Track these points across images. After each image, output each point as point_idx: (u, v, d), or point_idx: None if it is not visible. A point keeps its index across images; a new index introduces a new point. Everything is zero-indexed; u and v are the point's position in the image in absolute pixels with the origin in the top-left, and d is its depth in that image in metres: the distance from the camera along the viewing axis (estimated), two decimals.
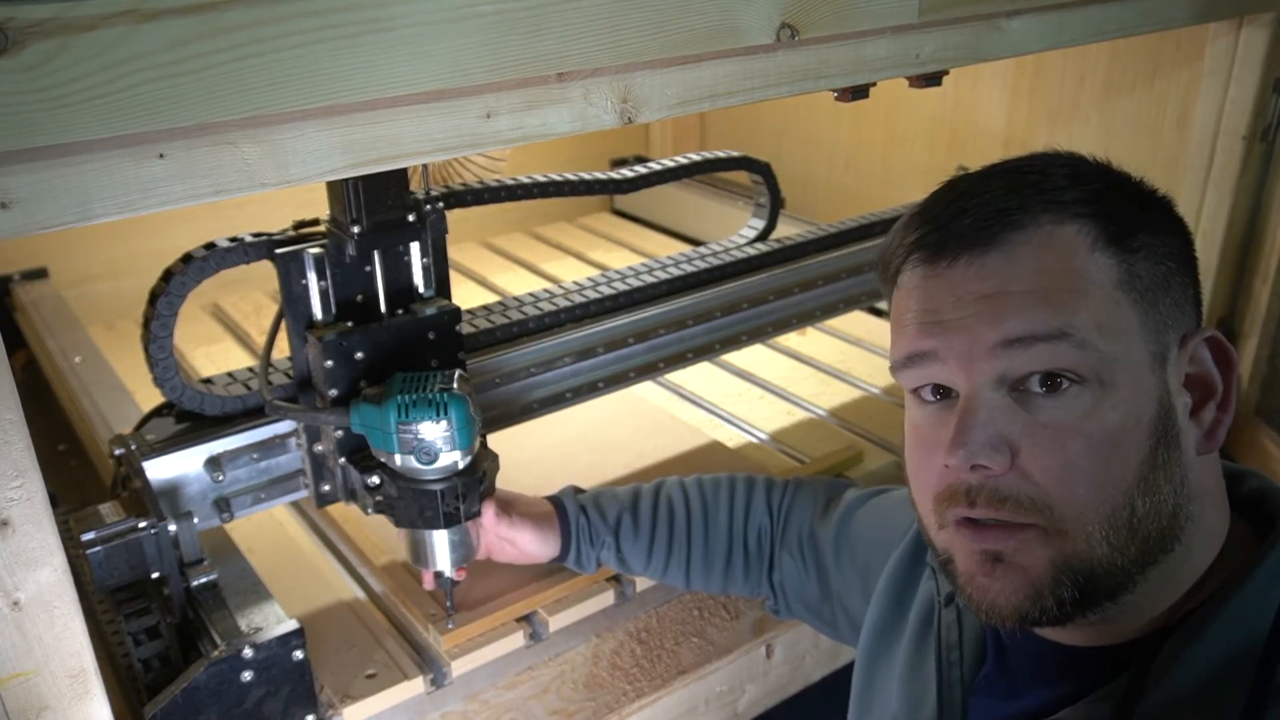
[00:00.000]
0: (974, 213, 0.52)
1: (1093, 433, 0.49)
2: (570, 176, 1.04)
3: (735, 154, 1.20)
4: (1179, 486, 0.51)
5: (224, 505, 0.85)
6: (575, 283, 1.08)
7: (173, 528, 0.78)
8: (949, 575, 0.55)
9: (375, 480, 0.81)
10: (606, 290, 1.06)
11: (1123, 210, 0.52)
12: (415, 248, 0.84)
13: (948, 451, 0.51)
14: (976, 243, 0.51)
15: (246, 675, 0.76)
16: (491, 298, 1.42)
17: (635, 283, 1.08)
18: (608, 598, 0.95)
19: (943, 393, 0.53)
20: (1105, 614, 0.52)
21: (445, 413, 0.76)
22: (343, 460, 0.84)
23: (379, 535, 1.01)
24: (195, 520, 0.80)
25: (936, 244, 0.53)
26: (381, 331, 0.82)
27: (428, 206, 0.83)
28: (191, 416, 0.85)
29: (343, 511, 1.03)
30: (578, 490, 0.92)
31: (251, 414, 0.86)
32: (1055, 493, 0.49)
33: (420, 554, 0.84)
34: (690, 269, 1.11)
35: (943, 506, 0.53)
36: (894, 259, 0.56)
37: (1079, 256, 0.50)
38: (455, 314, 0.86)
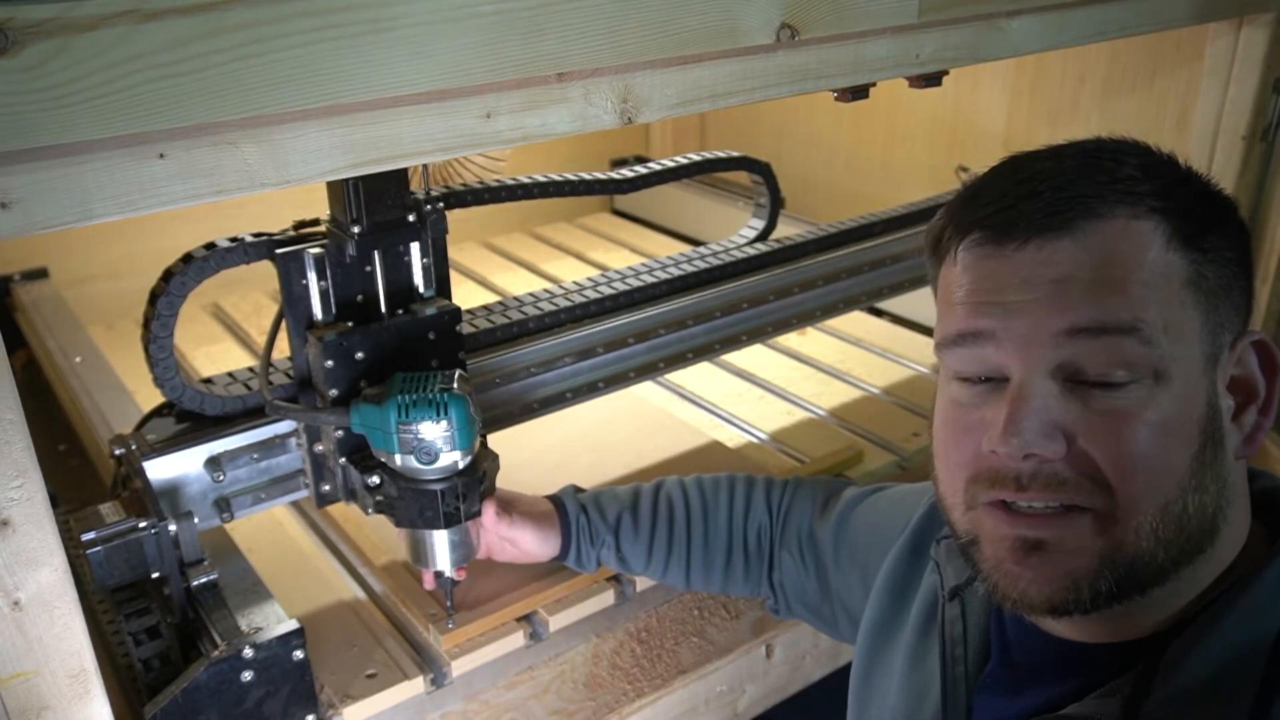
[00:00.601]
0: (1048, 195, 0.50)
1: (1151, 420, 0.49)
2: (570, 176, 1.04)
3: (735, 154, 1.20)
4: (1222, 488, 0.51)
5: (224, 505, 0.85)
6: (575, 283, 1.08)
7: (173, 528, 0.78)
8: (970, 558, 0.54)
9: (375, 480, 0.81)
10: (606, 290, 1.06)
11: (1194, 209, 0.51)
12: (415, 248, 0.84)
13: (1000, 439, 0.49)
14: (1048, 227, 0.50)
15: (247, 675, 0.76)
16: (492, 298, 1.42)
17: (635, 283, 1.07)
18: (608, 597, 0.95)
19: (988, 376, 0.52)
20: (1127, 609, 0.51)
21: (445, 413, 0.76)
22: (343, 460, 0.84)
23: (379, 535, 1.01)
24: (195, 520, 0.80)
25: (1005, 224, 0.51)
26: (382, 331, 0.82)
27: (428, 206, 0.83)
28: (192, 416, 0.85)
29: (343, 511, 1.03)
30: (578, 490, 0.92)
31: (252, 414, 0.86)
32: (1114, 479, 0.49)
33: (420, 554, 0.84)
34: (690, 269, 1.11)
35: (979, 488, 0.52)
36: (951, 234, 0.54)
37: (1153, 252, 0.49)
38: (455, 314, 0.86)
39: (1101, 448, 0.49)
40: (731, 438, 1.22)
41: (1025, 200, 0.51)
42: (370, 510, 0.83)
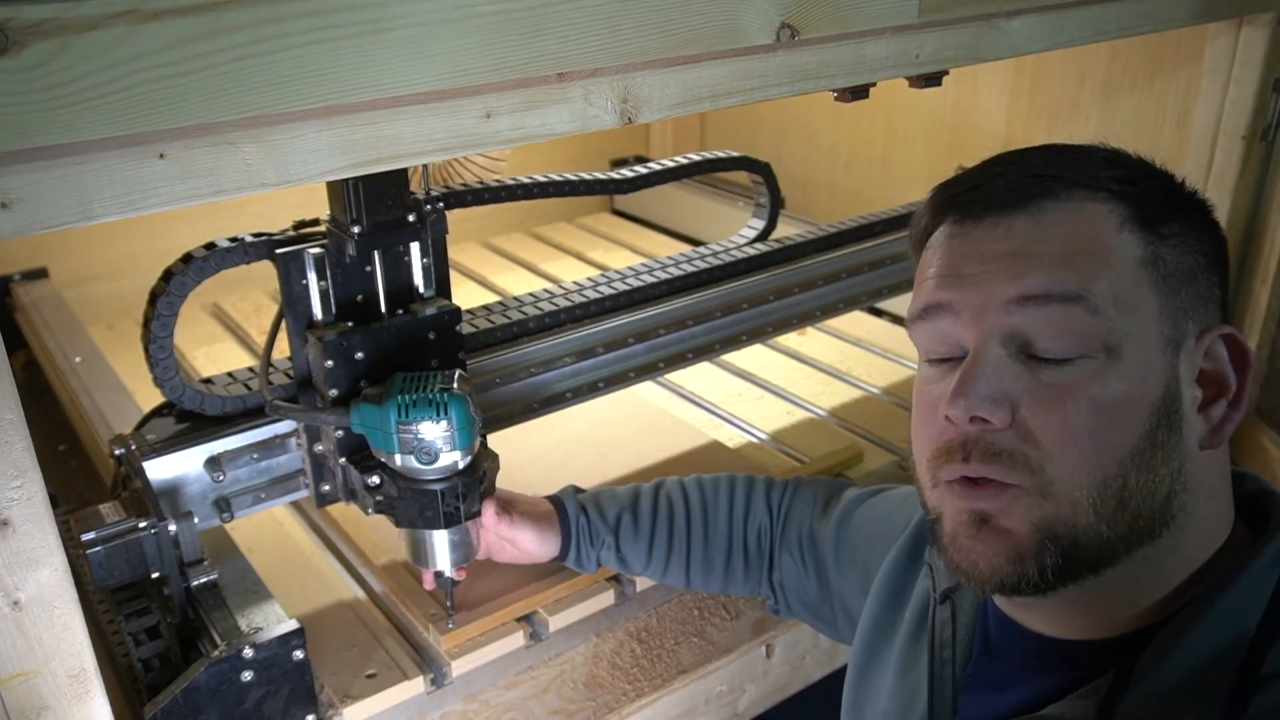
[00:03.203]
0: (1008, 176, 0.53)
1: (1096, 396, 0.49)
2: (570, 176, 1.04)
3: (735, 154, 1.20)
4: (1175, 473, 0.51)
5: (224, 505, 0.85)
6: (575, 283, 1.08)
7: (173, 528, 0.78)
8: (935, 536, 0.55)
9: (375, 480, 0.81)
10: (606, 290, 1.06)
11: (1157, 199, 0.53)
12: (415, 248, 0.84)
13: (948, 402, 0.51)
14: (1006, 203, 0.52)
15: (247, 675, 0.76)
16: (492, 298, 1.42)
17: (635, 283, 1.07)
18: (608, 597, 0.95)
19: (951, 356, 0.54)
20: (1090, 598, 0.52)
21: (445, 413, 0.76)
22: (343, 460, 0.84)
23: (379, 535, 1.01)
24: (195, 520, 0.80)
25: (967, 203, 0.54)
26: (382, 331, 0.82)
27: (428, 206, 0.83)
28: (192, 416, 0.85)
29: (343, 511, 1.03)
30: (577, 490, 0.91)
31: (252, 414, 0.86)
32: (1051, 451, 0.50)
33: (420, 554, 0.84)
34: (690, 269, 1.11)
35: (937, 464, 0.53)
36: (925, 219, 0.57)
37: (1106, 230, 0.51)
38: (455, 314, 0.86)
39: (1042, 418, 0.50)
40: (731, 438, 1.22)
41: (989, 181, 0.54)
42: (370, 510, 0.83)
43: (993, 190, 0.53)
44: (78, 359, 1.24)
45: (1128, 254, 0.51)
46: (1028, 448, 0.50)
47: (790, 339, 1.45)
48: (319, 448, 0.86)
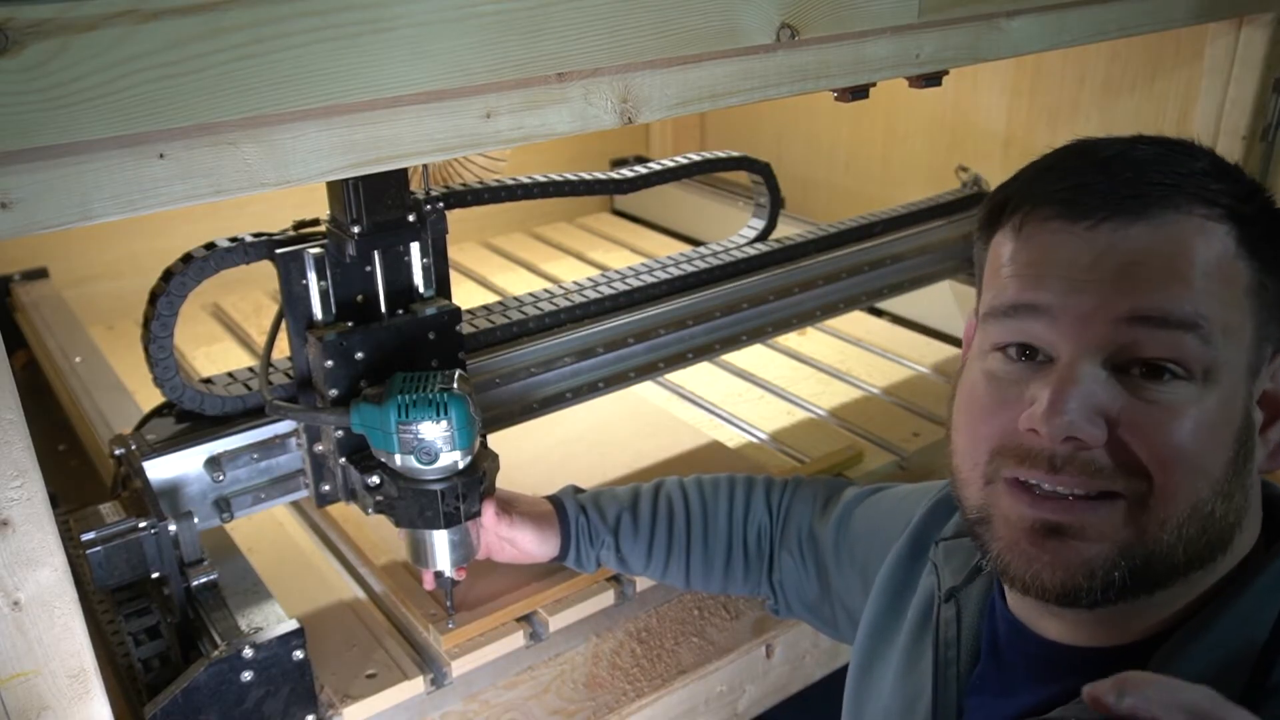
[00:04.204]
0: (1127, 177, 0.49)
1: (1197, 419, 0.48)
2: (570, 176, 1.04)
3: (735, 154, 1.20)
4: (1245, 499, 0.50)
5: (224, 505, 0.85)
6: (575, 283, 1.08)
7: (173, 528, 0.78)
8: (978, 536, 0.53)
9: (375, 480, 0.81)
10: (606, 290, 1.06)
11: (1262, 219, 0.51)
12: (415, 248, 0.84)
13: (1043, 417, 0.48)
14: (1125, 209, 0.49)
15: (247, 675, 0.76)
16: (491, 298, 1.42)
17: (635, 283, 1.07)
18: (608, 597, 0.95)
19: (1029, 353, 0.51)
20: (1124, 611, 0.51)
21: (445, 413, 0.76)
22: (343, 460, 0.84)
23: (379, 535, 1.01)
24: (195, 520, 0.80)
25: (1078, 200, 0.50)
26: (381, 331, 0.82)
27: (428, 206, 0.83)
28: (192, 416, 0.85)
29: (343, 511, 1.03)
30: (577, 490, 0.91)
31: (251, 414, 0.86)
32: (1155, 469, 0.48)
33: (420, 554, 0.83)
34: (690, 269, 1.11)
35: (1004, 462, 0.50)
36: (1015, 205, 0.52)
37: (1225, 254, 0.49)
38: (455, 314, 0.86)
39: (1143, 438, 0.48)
40: (731, 438, 1.22)
41: (1103, 179, 0.50)
42: (370, 510, 0.83)
43: (1109, 192, 0.49)
44: (78, 359, 1.24)
45: (1240, 279, 0.49)
46: (1128, 460, 0.48)
47: (790, 339, 1.45)
48: (319, 448, 0.86)
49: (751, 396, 1.32)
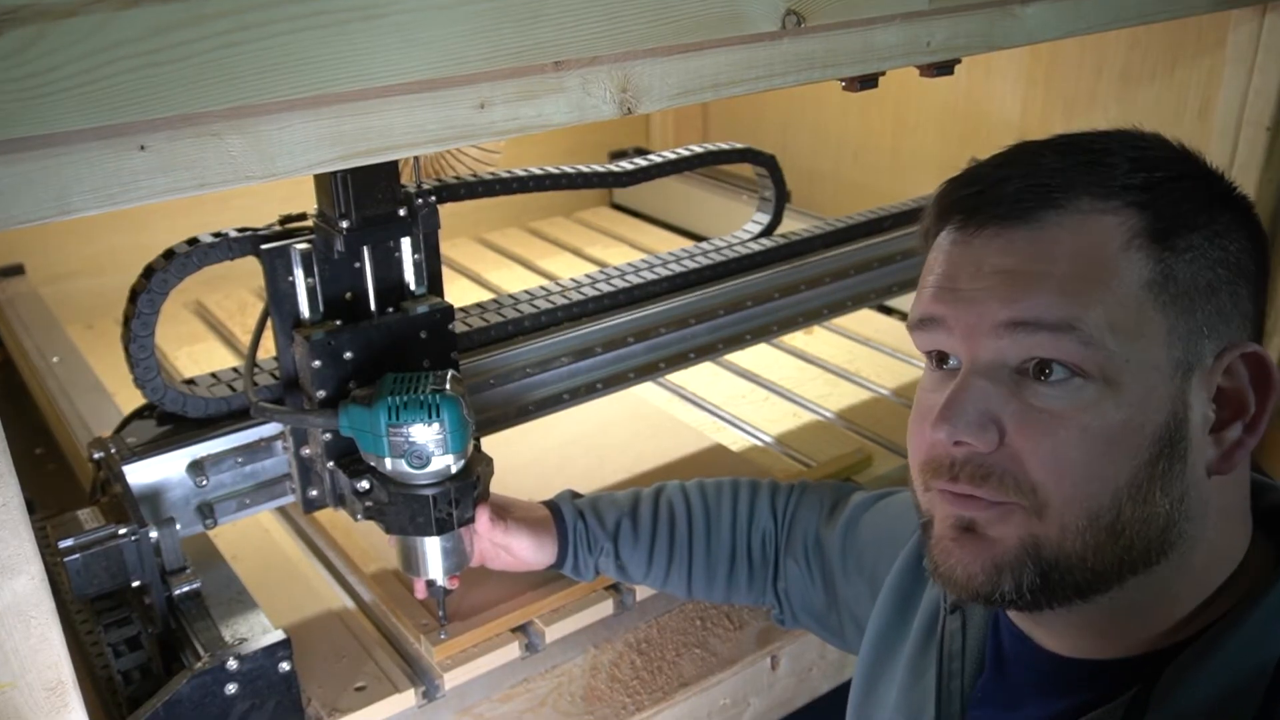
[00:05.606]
0: (1016, 182, 0.51)
1: (1089, 426, 0.48)
2: (568, 169, 1.03)
3: (739, 146, 1.20)
4: (1177, 501, 0.50)
5: (207, 511, 0.85)
6: (573, 280, 1.07)
7: (154, 534, 0.78)
8: (925, 541, 0.55)
9: (365, 485, 0.81)
10: (605, 287, 1.05)
11: (1180, 206, 0.50)
12: (406, 243, 0.84)
13: (933, 425, 0.51)
14: (1008, 215, 0.51)
15: (231, 688, 0.75)
16: (486, 295, 1.41)
17: (635, 280, 1.07)
18: (606, 607, 0.95)
19: (948, 361, 0.54)
20: (1090, 617, 0.52)
21: (438, 415, 0.75)
22: (331, 464, 0.83)
23: (369, 542, 1.01)
24: (177, 526, 0.80)
25: (972, 209, 0.52)
26: (371, 330, 0.82)
27: (419, 200, 0.83)
28: (174, 419, 0.85)
29: (331, 517, 1.03)
30: (575, 495, 0.91)
31: (236, 416, 0.86)
32: (1041, 478, 0.49)
33: (412, 562, 0.83)
34: (692, 265, 1.11)
35: (928, 475, 0.53)
36: (931, 218, 0.56)
37: (1109, 249, 0.49)
38: (448, 312, 0.85)
39: (1031, 446, 0.49)
40: (735, 440, 1.22)
41: (995, 186, 0.52)
42: (359, 516, 0.82)
43: (998, 196, 0.51)
44: (55, 359, 1.24)
45: (1132, 275, 0.49)
46: (1017, 471, 0.49)
47: (796, 338, 1.44)
48: (306, 451, 0.86)
49: (756, 398, 1.32)
